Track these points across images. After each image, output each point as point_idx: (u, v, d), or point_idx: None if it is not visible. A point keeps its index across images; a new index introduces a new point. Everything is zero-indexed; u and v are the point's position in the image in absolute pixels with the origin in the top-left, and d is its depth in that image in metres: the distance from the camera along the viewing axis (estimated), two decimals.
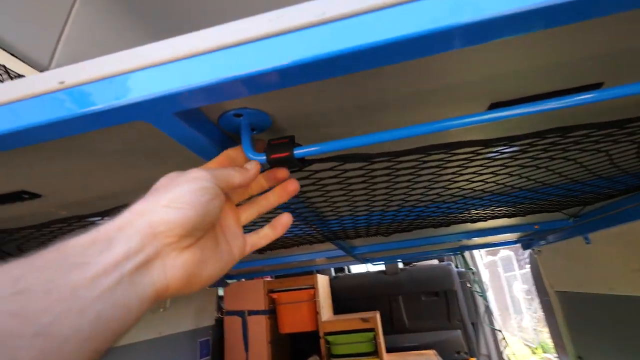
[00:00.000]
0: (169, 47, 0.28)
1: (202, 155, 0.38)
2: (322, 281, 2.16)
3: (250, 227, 0.40)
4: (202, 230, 0.30)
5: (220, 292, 2.11)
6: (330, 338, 1.93)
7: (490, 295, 2.93)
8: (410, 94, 0.38)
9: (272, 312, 2.05)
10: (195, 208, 0.28)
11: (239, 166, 0.36)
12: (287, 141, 0.37)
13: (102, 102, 0.29)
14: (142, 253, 0.26)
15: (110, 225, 0.26)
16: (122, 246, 0.25)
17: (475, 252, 2.89)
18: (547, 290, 1.79)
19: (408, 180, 0.55)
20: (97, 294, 0.23)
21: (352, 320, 1.97)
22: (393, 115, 0.41)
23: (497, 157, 0.52)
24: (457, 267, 2.63)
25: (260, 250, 1.02)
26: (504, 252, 7.19)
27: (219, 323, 2.02)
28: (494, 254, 7.47)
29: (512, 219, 1.07)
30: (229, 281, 2.05)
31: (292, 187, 0.38)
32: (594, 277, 1.35)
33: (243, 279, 2.15)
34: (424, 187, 0.59)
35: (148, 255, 0.26)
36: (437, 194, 0.64)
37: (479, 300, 2.58)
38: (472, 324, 2.36)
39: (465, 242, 1.78)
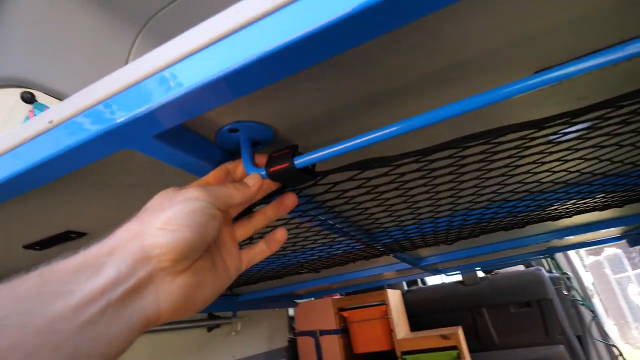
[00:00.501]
0: (133, 69, 0.26)
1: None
2: (394, 296, 2.04)
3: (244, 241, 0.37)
4: (198, 252, 0.27)
5: (291, 312, 2.11)
6: (408, 358, 1.80)
7: (597, 302, 2.51)
8: (426, 74, 0.32)
9: (344, 331, 1.98)
10: (192, 230, 0.26)
11: (239, 178, 0.34)
12: (288, 151, 0.33)
13: (84, 134, 0.28)
14: (133, 277, 0.24)
15: (100, 249, 0.25)
16: (111, 271, 0.23)
17: (572, 253, 2.51)
18: None
19: (451, 181, 0.47)
20: (77, 327, 0.21)
21: (431, 337, 1.82)
22: (409, 104, 0.35)
23: (559, 139, 0.42)
24: (550, 271, 2.31)
25: (315, 270, 0.99)
26: (610, 251, 6.18)
27: (292, 344, 2.01)
28: (597, 253, 6.46)
29: (605, 211, 0.89)
30: (298, 301, 2.04)
31: (289, 200, 0.35)
32: None
33: (312, 298, 2.13)
34: (474, 187, 0.51)
35: (139, 280, 0.24)
36: (493, 192, 0.54)
37: (583, 309, 2.22)
38: (578, 337, 2.03)
39: (555, 242, 1.55)
